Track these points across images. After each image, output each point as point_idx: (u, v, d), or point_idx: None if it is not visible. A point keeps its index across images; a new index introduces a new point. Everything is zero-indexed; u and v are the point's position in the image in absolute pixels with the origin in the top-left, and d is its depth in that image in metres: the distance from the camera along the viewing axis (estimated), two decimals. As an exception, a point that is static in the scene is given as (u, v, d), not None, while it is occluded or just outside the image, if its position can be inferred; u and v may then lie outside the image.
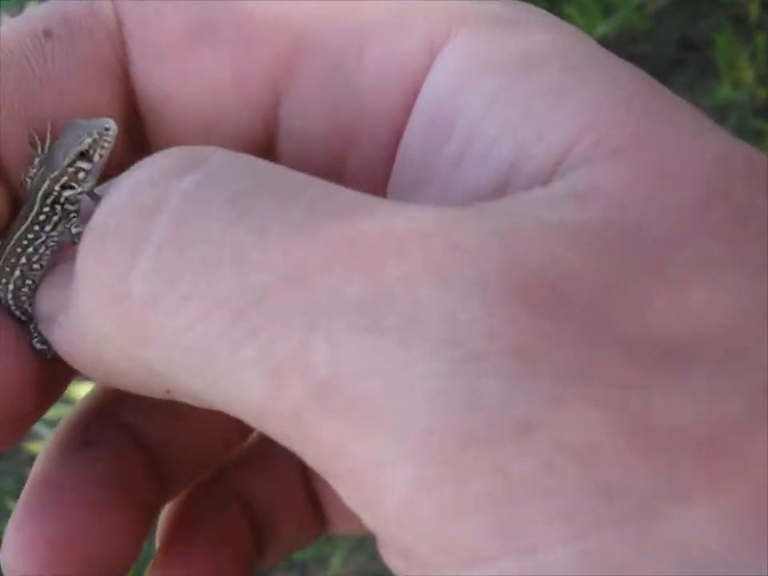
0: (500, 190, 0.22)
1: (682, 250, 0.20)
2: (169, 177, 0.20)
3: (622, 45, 1.34)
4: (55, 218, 0.27)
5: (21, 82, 0.25)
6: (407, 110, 0.25)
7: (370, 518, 0.18)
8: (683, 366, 0.18)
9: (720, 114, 1.23)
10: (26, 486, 0.27)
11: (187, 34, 0.25)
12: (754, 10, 1.25)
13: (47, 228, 0.27)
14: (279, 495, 0.32)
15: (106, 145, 0.26)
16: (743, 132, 1.22)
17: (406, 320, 0.17)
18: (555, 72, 0.23)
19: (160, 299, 0.19)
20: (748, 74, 1.19)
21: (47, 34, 0.25)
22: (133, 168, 0.22)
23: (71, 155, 0.26)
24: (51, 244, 0.27)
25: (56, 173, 0.27)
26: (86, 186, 0.27)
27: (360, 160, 0.26)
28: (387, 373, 0.17)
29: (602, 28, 1.20)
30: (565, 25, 0.25)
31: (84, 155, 0.26)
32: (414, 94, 0.25)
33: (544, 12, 0.25)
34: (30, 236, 0.27)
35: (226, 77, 0.26)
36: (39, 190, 0.27)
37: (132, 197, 0.21)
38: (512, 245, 0.19)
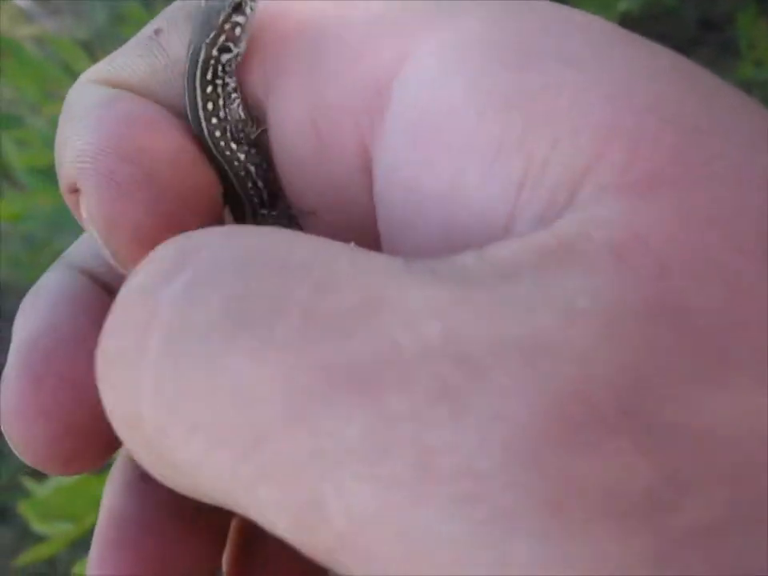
0: (509, 215, 0.19)
1: (740, 336, 0.16)
2: (159, 282, 0.18)
3: (642, 23, 1.33)
4: (221, 102, 0.26)
5: (154, 71, 0.27)
6: (372, 121, 0.23)
7: None
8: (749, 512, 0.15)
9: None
10: (99, 523, 0.27)
11: None
12: (776, -12, 1.24)
13: (222, 114, 0.26)
14: None
15: None
16: (764, 112, 1.20)
17: (417, 470, 0.15)
18: (562, 64, 0.19)
19: (168, 428, 0.18)
20: (769, 54, 1.17)
21: (158, 32, 0.27)
22: (132, 273, 0.20)
23: (227, 9, 0.25)
24: (240, 138, 0.27)
25: (212, 35, 0.26)
26: (241, 47, 0.26)
27: (338, 171, 0.24)
28: (402, 534, 0.15)
29: (624, 5, 1.19)
30: (572, 9, 0.21)
31: (237, 8, 0.25)
32: (380, 104, 0.22)
33: None
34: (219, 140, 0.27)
35: (244, 63, 0.26)
36: (195, 79, 0.26)
37: (125, 311, 0.19)
38: (534, 355, 0.15)
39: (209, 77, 0.26)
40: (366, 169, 0.23)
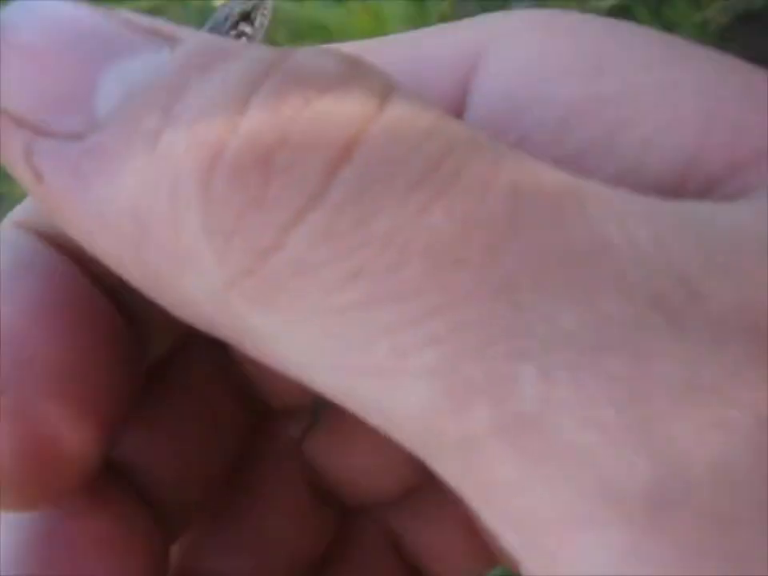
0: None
1: None
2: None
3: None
4: None
5: None
6: (461, 105, 0.21)
7: (542, 572, 0.15)
8: None
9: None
10: None
11: None
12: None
13: None
14: (435, 534, 0.28)
15: (266, 13, 0.24)
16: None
17: (639, 370, 0.14)
18: (663, 51, 0.18)
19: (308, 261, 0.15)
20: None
21: None
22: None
23: (234, 16, 0.23)
24: None
25: None
26: None
27: None
28: (612, 428, 0.14)
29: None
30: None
31: (246, 17, 0.23)
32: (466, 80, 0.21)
33: None
34: None
35: None
36: None
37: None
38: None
39: None
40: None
